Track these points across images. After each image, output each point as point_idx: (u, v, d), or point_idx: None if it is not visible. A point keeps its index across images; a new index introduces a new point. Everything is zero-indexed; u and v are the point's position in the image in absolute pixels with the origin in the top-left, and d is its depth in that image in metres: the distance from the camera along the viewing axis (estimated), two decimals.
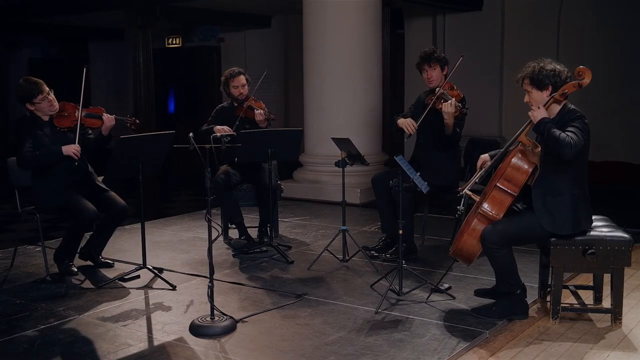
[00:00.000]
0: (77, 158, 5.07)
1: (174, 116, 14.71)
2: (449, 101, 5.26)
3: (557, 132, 3.97)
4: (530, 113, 4.14)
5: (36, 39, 16.30)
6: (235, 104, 6.19)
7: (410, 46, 12.19)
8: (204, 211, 7.96)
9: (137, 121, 5.51)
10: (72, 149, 5.07)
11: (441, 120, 5.38)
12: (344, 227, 5.61)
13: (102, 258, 5.54)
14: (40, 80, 5.19)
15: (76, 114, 5.24)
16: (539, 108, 4.11)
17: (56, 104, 5.22)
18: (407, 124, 5.53)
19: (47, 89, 5.18)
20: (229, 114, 6.16)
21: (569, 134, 3.96)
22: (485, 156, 4.56)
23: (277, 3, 12.14)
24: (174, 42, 14.23)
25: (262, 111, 5.96)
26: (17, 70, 17.29)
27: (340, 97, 8.60)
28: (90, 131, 5.37)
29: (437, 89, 5.49)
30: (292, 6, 11.46)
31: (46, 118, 5.23)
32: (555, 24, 10.82)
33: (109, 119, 5.27)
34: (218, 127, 5.98)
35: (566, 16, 10.78)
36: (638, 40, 10.19)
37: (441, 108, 5.32)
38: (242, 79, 6.15)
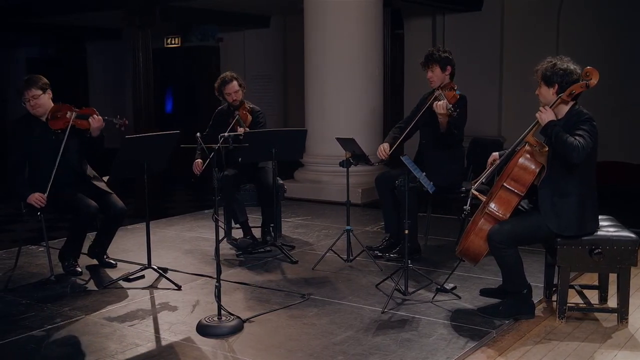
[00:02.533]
0: (38, 207, 5.05)
1: (173, 116, 14.68)
2: (441, 102, 5.27)
3: (565, 136, 3.97)
4: (537, 115, 4.15)
5: (34, 38, 16.26)
6: (232, 108, 6.18)
7: (409, 46, 12.21)
8: (206, 211, 8.03)
9: (126, 122, 5.40)
10: (33, 198, 5.05)
11: None
12: (349, 227, 5.61)
13: (107, 258, 5.54)
14: (32, 80, 5.15)
15: (68, 115, 5.19)
16: (546, 110, 4.12)
17: (39, 110, 5.19)
18: (380, 150, 5.59)
19: (36, 93, 5.13)
20: (227, 117, 6.14)
21: (577, 137, 3.97)
22: (496, 154, 4.58)
23: (276, 3, 12.15)
24: (172, 42, 14.22)
25: (242, 129, 5.85)
26: (16, 70, 17.25)
27: (341, 97, 8.61)
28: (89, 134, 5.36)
29: (436, 89, 5.50)
30: (291, 6, 11.47)
31: (43, 119, 5.23)
32: (555, 24, 10.85)
33: (95, 120, 5.20)
34: (198, 160, 6.01)
35: (566, 16, 10.81)
36: (638, 40, 10.22)
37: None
38: (234, 85, 6.10)
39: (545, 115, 4.10)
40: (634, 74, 10.25)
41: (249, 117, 6.06)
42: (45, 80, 5.25)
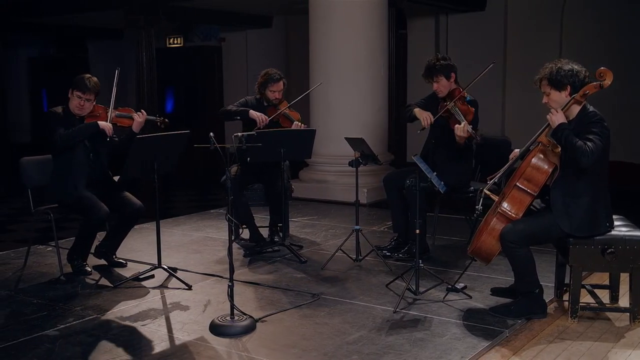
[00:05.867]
0: (109, 135, 5.18)
1: (174, 116, 14.65)
2: (462, 125, 5.24)
3: (575, 140, 3.96)
4: (548, 117, 4.15)
5: (36, 38, 16.23)
6: (266, 104, 6.18)
7: (412, 46, 12.22)
8: (212, 211, 8.03)
9: (166, 120, 5.59)
10: (107, 125, 5.17)
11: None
12: (357, 227, 5.61)
13: (116, 257, 5.54)
14: (92, 85, 5.26)
15: (108, 113, 5.30)
16: (557, 112, 4.11)
17: (85, 111, 5.28)
18: (425, 116, 5.49)
19: (90, 97, 5.25)
20: (256, 109, 6.16)
21: (587, 142, 3.96)
22: (516, 151, 4.58)
23: (278, 3, 12.14)
24: (174, 42, 14.19)
25: (299, 123, 5.98)
26: (17, 70, 17.22)
27: (346, 97, 8.61)
28: (115, 135, 5.37)
29: (448, 101, 5.47)
30: (293, 6, 11.47)
31: (77, 116, 5.28)
32: (557, 24, 10.85)
33: (141, 115, 5.37)
34: (254, 112, 5.95)
35: (569, 17, 10.81)
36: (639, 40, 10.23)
37: (453, 126, 5.32)
38: (281, 84, 6.12)
39: (556, 118, 4.09)
40: (635, 74, 10.25)
41: (298, 115, 6.15)
42: (99, 87, 5.37)
